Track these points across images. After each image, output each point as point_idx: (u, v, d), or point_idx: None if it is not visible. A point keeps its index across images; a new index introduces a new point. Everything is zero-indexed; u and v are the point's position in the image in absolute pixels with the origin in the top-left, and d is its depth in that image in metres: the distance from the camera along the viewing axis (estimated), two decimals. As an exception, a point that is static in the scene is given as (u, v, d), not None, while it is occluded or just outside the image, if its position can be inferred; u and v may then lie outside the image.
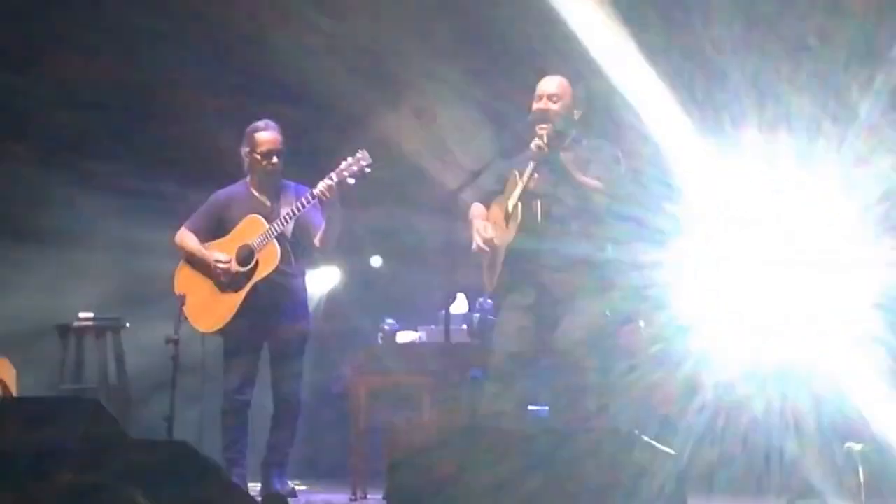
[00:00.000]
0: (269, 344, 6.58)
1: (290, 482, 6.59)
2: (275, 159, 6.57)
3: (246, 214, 6.54)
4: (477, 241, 5.79)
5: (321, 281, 8.21)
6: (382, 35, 8.44)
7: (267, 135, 6.57)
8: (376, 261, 8.59)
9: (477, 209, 5.97)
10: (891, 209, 7.37)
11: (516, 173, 5.70)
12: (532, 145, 5.57)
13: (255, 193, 6.64)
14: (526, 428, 5.65)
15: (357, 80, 8.46)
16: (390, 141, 8.28)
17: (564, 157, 5.62)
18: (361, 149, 6.47)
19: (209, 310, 6.50)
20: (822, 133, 7.62)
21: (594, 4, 7.82)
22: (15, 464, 4.24)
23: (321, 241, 6.52)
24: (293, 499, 6.44)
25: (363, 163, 6.41)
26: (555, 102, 5.74)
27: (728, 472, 7.64)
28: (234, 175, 6.78)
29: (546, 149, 5.50)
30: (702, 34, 7.81)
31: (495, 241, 5.74)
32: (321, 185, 6.37)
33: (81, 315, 7.85)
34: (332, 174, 6.40)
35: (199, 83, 8.43)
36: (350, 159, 6.43)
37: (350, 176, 6.40)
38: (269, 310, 6.48)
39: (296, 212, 6.41)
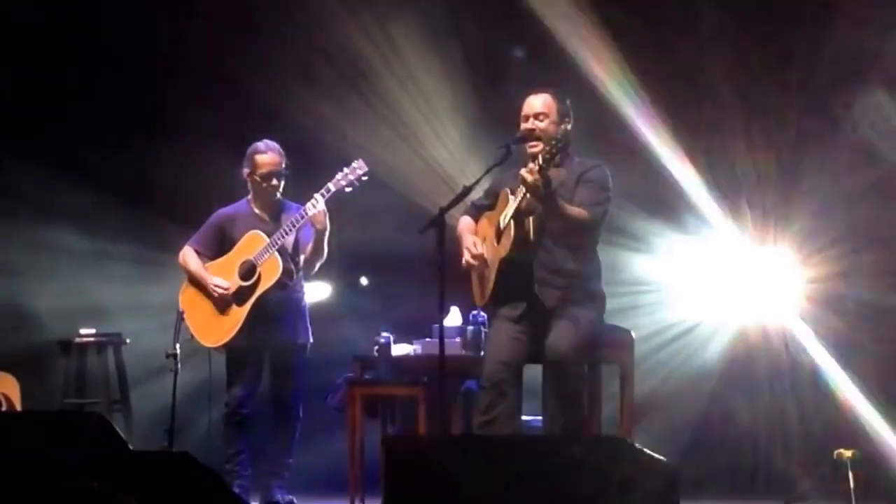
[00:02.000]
0: (271, 356, 6.68)
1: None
2: (274, 181, 6.66)
3: (248, 231, 6.63)
4: (466, 258, 5.86)
5: (313, 295, 8.28)
6: (374, 47, 8.54)
7: (267, 157, 6.67)
8: (364, 280, 8.65)
9: (466, 223, 6.03)
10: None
11: (507, 191, 5.73)
12: (524, 175, 5.46)
13: (257, 212, 6.73)
14: (519, 437, 5.72)
15: (347, 92, 8.56)
16: (381, 153, 8.36)
17: (554, 176, 5.63)
18: (357, 159, 6.58)
19: (214, 325, 6.60)
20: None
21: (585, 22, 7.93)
22: (20, 477, 4.32)
23: (307, 263, 6.65)
24: (292, 509, 6.54)
25: (359, 171, 6.52)
26: (541, 120, 5.76)
27: (719, 479, 7.72)
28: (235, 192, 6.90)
29: (539, 183, 5.44)
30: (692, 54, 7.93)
31: (486, 256, 5.80)
32: (310, 205, 6.45)
33: (83, 331, 7.95)
34: (329, 184, 6.51)
35: (201, 104, 8.54)
36: (346, 169, 6.53)
37: (347, 185, 6.51)
38: (271, 323, 6.58)
39: (295, 224, 6.50)
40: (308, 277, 6.78)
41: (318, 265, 6.70)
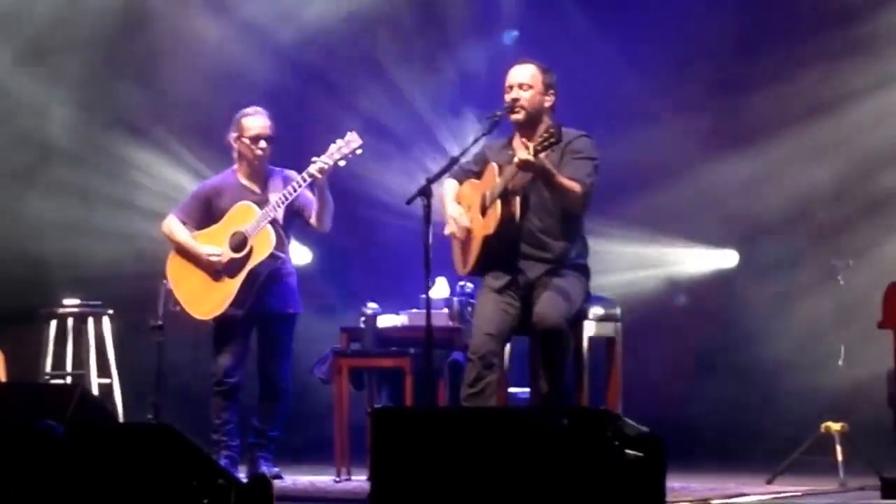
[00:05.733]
0: (259, 327, 6.65)
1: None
2: (263, 144, 6.60)
3: (235, 202, 6.57)
4: (452, 229, 5.82)
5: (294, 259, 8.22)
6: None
7: (255, 120, 6.61)
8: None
9: (450, 186, 5.96)
10: None
11: (495, 166, 5.71)
12: (519, 155, 5.46)
13: (244, 181, 6.67)
14: (506, 409, 5.71)
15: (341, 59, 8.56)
16: (371, 121, 8.34)
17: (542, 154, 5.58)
18: (350, 130, 6.52)
19: (206, 297, 6.56)
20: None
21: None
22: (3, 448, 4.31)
23: (318, 220, 6.56)
24: (279, 480, 6.51)
25: (353, 145, 6.45)
26: (525, 91, 5.72)
27: (707, 451, 7.73)
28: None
29: (533, 160, 5.42)
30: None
31: (470, 226, 5.78)
32: (315, 167, 6.39)
33: (66, 301, 7.92)
34: (324, 156, 6.44)
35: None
36: (340, 141, 6.45)
37: (341, 158, 6.45)
38: (262, 294, 6.55)
39: (288, 196, 6.45)
40: (322, 230, 6.66)
41: (330, 217, 6.56)
